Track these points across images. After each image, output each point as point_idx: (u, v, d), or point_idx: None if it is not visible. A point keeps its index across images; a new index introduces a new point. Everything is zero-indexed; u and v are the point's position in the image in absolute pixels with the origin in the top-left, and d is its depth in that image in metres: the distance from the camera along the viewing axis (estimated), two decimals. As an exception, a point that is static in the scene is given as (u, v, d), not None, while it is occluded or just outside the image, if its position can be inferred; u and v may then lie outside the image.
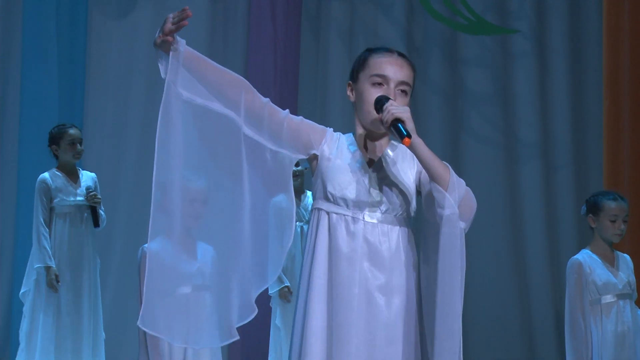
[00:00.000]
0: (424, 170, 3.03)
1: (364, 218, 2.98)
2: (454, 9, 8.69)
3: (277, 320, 6.91)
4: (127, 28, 8.30)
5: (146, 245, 4.61)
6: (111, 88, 8.24)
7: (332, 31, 8.79)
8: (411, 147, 2.93)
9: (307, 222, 6.84)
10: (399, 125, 2.91)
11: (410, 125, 2.90)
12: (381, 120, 2.94)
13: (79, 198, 6.67)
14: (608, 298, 5.29)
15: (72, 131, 6.73)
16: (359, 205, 2.99)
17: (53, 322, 6.52)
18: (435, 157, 2.93)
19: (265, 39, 8.28)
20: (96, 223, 6.63)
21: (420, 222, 3.09)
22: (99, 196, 6.66)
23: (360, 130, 3.11)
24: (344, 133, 3.18)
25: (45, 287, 6.49)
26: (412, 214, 3.06)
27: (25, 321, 6.58)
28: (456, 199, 2.91)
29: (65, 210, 6.64)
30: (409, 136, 2.87)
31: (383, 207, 3.00)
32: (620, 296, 5.30)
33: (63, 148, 6.69)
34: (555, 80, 9.03)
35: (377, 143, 3.09)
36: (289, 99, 8.30)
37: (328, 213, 3.01)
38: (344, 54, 8.76)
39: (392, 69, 3.04)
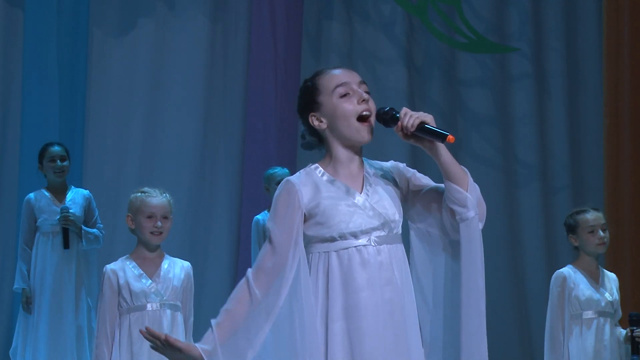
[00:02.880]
0: (412, 180, 3.02)
1: (372, 243, 2.93)
2: (454, 26, 8.73)
3: None
4: (127, 46, 8.31)
5: (107, 265, 4.68)
6: (112, 106, 8.25)
7: (333, 51, 8.81)
8: (432, 150, 2.90)
9: None
10: (430, 126, 2.87)
11: (434, 125, 2.89)
12: (401, 129, 2.90)
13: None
14: (589, 314, 5.31)
15: (51, 148, 6.73)
16: (366, 232, 2.93)
17: (36, 340, 6.53)
18: (455, 160, 2.92)
19: (265, 60, 8.30)
20: (66, 244, 6.56)
21: (415, 232, 3.05)
22: (71, 217, 6.56)
23: (338, 152, 3.01)
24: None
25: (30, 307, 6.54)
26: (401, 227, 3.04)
27: (16, 340, 6.62)
28: (475, 201, 2.91)
29: (49, 229, 6.63)
30: (448, 133, 2.84)
31: (386, 228, 2.95)
32: (601, 314, 5.33)
33: (45, 166, 6.70)
34: (554, 101, 9.05)
35: (354, 164, 3.02)
36: (289, 119, 8.30)
37: (336, 252, 2.93)
38: (344, 74, 8.77)
39: (346, 74, 3.01)
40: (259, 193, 8.07)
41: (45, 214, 6.63)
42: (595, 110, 8.69)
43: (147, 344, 4.55)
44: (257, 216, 7.11)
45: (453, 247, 2.97)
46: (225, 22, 8.57)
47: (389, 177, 3.04)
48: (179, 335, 4.68)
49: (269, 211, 7.34)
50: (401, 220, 3.00)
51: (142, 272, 4.68)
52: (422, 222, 3.02)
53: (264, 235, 6.96)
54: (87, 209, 6.74)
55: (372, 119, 2.97)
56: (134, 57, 8.35)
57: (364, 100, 2.96)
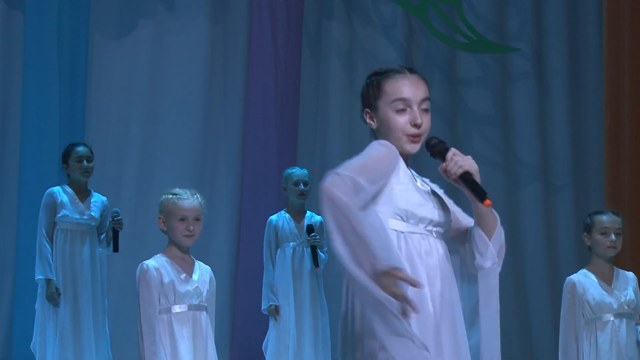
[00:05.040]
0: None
1: (435, 235, 2.93)
2: (454, 27, 8.73)
3: (271, 334, 6.96)
4: (127, 47, 8.32)
5: (145, 262, 4.65)
6: (112, 107, 8.26)
7: (333, 51, 8.82)
8: (472, 196, 2.91)
9: (300, 244, 6.90)
10: (475, 182, 2.86)
11: (478, 178, 2.88)
12: (444, 170, 2.90)
13: (84, 217, 6.69)
14: (603, 317, 5.29)
15: (79, 148, 6.77)
16: (430, 222, 2.91)
17: (56, 336, 6.54)
18: (491, 209, 2.95)
19: (266, 60, 8.30)
20: (116, 248, 6.66)
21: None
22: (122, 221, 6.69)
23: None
24: (348, 152, 3.13)
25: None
26: None
27: (37, 335, 6.62)
28: (496, 248, 2.95)
29: (67, 226, 6.66)
30: (487, 196, 2.85)
31: (443, 224, 2.96)
32: (617, 315, 5.31)
33: (71, 166, 6.73)
34: (555, 100, 9.05)
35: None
36: (289, 120, 8.31)
37: (403, 233, 2.88)
38: (344, 75, 8.78)
39: (411, 90, 2.96)
40: (259, 193, 8.08)
41: (66, 210, 6.67)
42: (596, 110, 8.69)
43: (189, 343, 4.58)
44: (272, 216, 7.10)
45: (470, 279, 3.00)
46: (225, 23, 8.57)
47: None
48: (211, 335, 4.71)
49: (286, 211, 7.33)
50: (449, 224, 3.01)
51: (185, 273, 4.68)
52: (461, 250, 3.04)
53: (276, 236, 6.98)
54: (105, 215, 6.81)
55: (423, 137, 2.97)
56: (134, 58, 8.36)
57: (416, 124, 2.95)
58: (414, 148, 2.97)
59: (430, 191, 2.99)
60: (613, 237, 5.33)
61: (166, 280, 4.61)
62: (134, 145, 8.28)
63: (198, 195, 4.79)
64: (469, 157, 2.90)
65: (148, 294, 4.57)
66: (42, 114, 7.71)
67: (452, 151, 2.91)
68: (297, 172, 7.05)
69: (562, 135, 8.99)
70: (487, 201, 2.85)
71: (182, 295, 4.63)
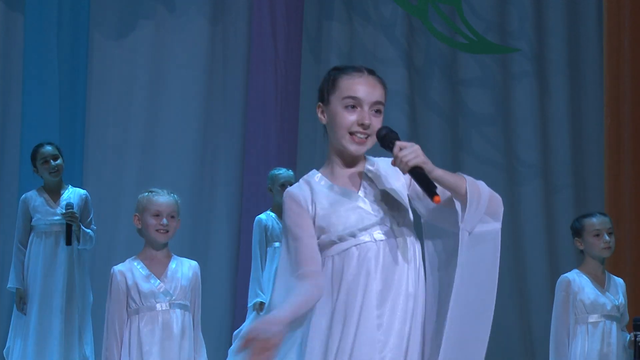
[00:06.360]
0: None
1: (372, 239, 2.90)
2: (455, 27, 8.73)
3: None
4: (127, 48, 8.32)
5: (115, 266, 4.69)
6: (112, 108, 8.26)
7: (333, 51, 8.82)
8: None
9: None
10: (424, 177, 2.79)
11: (428, 167, 2.80)
12: (394, 162, 2.85)
13: (55, 217, 6.63)
14: (595, 317, 5.31)
15: (43, 149, 6.71)
16: (365, 229, 2.90)
17: (25, 341, 6.53)
18: (449, 177, 2.84)
19: (266, 60, 8.30)
20: (68, 241, 6.53)
21: (427, 228, 3.00)
22: (77, 214, 6.55)
23: (334, 151, 3.00)
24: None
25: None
26: (412, 220, 2.98)
27: (10, 340, 6.63)
28: (479, 210, 2.85)
29: (43, 229, 6.63)
30: (436, 192, 2.76)
31: (387, 222, 2.91)
32: (608, 317, 5.33)
33: (39, 167, 6.69)
34: (555, 100, 9.05)
35: (351, 163, 2.99)
36: (289, 120, 8.31)
37: (338, 254, 2.91)
38: (344, 75, 8.78)
39: (364, 89, 2.93)
40: (259, 193, 8.08)
41: (39, 214, 6.64)
42: (596, 109, 8.69)
43: (156, 344, 4.59)
44: (260, 216, 7.11)
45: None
46: (225, 23, 8.57)
47: (392, 171, 2.96)
48: (189, 334, 4.70)
49: (272, 211, 7.34)
50: (407, 212, 2.95)
51: (149, 272, 4.68)
52: (433, 218, 2.96)
53: (266, 235, 6.98)
54: (83, 209, 6.70)
55: (370, 139, 2.93)
56: (134, 58, 8.36)
57: (362, 124, 2.92)
58: (357, 150, 2.94)
59: (367, 189, 2.95)
60: (607, 237, 5.34)
61: (130, 282, 4.64)
62: (134, 145, 8.28)
63: (175, 195, 4.79)
64: (415, 149, 2.81)
65: (111, 300, 4.64)
66: (42, 113, 7.71)
67: (397, 146, 2.82)
68: (284, 173, 7.06)
69: (562, 134, 8.99)
70: (437, 197, 2.76)
71: (147, 296, 4.64)
